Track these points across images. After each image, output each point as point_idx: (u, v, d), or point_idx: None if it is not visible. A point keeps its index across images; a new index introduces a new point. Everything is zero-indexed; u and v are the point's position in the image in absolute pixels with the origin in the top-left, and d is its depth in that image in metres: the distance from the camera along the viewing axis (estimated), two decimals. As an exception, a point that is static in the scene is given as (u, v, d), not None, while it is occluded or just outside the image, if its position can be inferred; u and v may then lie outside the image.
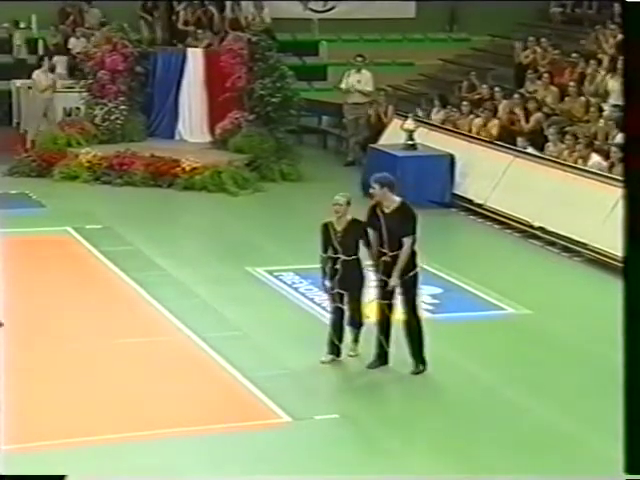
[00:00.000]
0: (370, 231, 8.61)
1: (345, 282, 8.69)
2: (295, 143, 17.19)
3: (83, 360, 8.94)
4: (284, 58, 17.44)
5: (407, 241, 8.47)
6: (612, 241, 11.21)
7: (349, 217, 8.72)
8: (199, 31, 18.21)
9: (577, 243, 12.29)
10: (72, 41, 19.11)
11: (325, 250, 8.76)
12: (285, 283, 10.96)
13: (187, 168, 15.25)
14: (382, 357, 8.69)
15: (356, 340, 8.90)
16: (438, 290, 10.89)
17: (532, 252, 12.65)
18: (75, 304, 10.21)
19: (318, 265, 10.55)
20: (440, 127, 15.84)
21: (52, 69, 17.75)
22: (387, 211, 8.57)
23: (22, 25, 19.32)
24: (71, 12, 19.77)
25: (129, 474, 6.90)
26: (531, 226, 13.15)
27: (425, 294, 10.71)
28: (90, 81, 16.94)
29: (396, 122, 16.01)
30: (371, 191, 8.69)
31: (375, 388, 8.54)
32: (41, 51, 19.16)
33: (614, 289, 9.98)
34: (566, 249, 12.43)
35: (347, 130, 17.63)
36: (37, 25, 19.58)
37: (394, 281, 8.46)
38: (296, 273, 11.18)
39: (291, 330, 9.68)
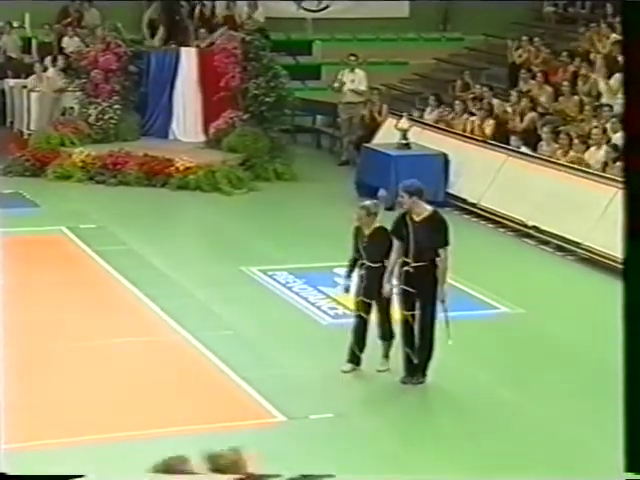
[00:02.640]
0: (395, 240, 8.32)
1: (370, 291, 8.47)
2: (289, 142, 17.19)
3: (78, 360, 8.94)
4: (278, 57, 17.44)
5: (444, 252, 8.18)
6: (606, 240, 11.23)
7: (377, 224, 8.52)
8: (202, 30, 18.19)
9: (571, 242, 12.31)
10: (66, 40, 19.08)
11: (356, 252, 8.63)
12: (279, 282, 10.96)
13: (181, 167, 15.23)
14: (412, 370, 8.44)
15: (386, 355, 8.64)
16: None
17: (526, 251, 12.67)
18: (69, 304, 10.19)
19: (311, 265, 10.58)
20: (434, 126, 15.85)
21: (45, 69, 17.72)
22: (417, 219, 8.27)
23: (15, 24, 19.29)
24: (72, 13, 19.73)
25: (124, 473, 6.90)
26: (525, 225, 13.16)
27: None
28: (84, 80, 16.93)
29: (390, 121, 16.01)
30: (399, 200, 8.47)
31: (369, 387, 8.55)
32: (35, 50, 19.14)
33: (608, 288, 10.04)
34: (560, 248, 12.45)
35: (341, 129, 17.64)
36: (30, 24, 19.56)
37: (441, 295, 8.16)
38: (290, 272, 11.17)
39: (285, 329, 9.68)
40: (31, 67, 18.17)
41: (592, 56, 16.30)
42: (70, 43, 18.90)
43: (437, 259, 8.18)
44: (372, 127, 16.81)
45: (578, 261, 12.05)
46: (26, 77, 18.08)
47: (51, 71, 17.57)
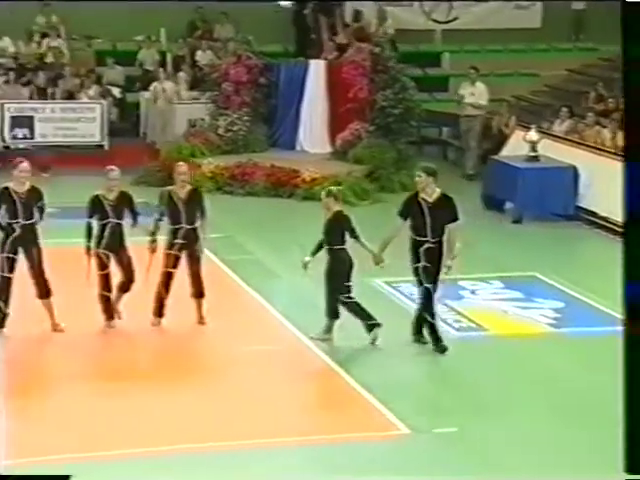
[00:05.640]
0: (398, 219, 9.31)
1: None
2: (415, 154, 17.12)
3: (200, 367, 9.10)
4: (406, 69, 17.41)
5: (456, 225, 9.18)
6: None
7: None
8: (330, 43, 18.32)
9: None
10: (199, 53, 19.53)
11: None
12: (403, 294, 10.91)
13: (307, 179, 15.35)
14: (421, 333, 9.42)
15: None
16: (560, 304, 10.66)
17: (659, 267, 12.24)
18: (194, 311, 10.36)
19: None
20: (564, 138, 15.53)
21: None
22: (430, 200, 9.20)
23: (152, 39, 19.86)
24: (200, 25, 20.19)
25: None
26: (659, 241, 12.73)
27: (547, 308, 10.53)
28: (215, 93, 17.27)
29: (518, 133, 15.78)
30: (416, 179, 9.34)
31: (495, 402, 8.40)
32: (169, 63, 19.66)
33: None
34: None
35: (461, 142, 17.52)
36: (166, 38, 20.10)
37: (451, 262, 9.13)
38: (413, 284, 11.09)
39: (409, 341, 9.61)
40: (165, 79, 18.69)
41: None
42: (203, 56, 19.35)
43: (442, 237, 9.18)
44: (499, 139, 16.60)
45: None
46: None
47: (169, 83, 18.06)
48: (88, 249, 9.64)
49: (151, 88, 18.31)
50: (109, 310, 9.75)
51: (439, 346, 9.26)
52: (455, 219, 9.22)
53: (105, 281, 9.69)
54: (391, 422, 7.83)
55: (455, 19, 21.11)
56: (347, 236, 9.39)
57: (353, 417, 8.04)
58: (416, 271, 9.30)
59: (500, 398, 8.46)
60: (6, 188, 9.46)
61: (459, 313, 10.35)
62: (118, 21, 19.44)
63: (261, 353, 9.29)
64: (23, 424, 7.78)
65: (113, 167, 9.85)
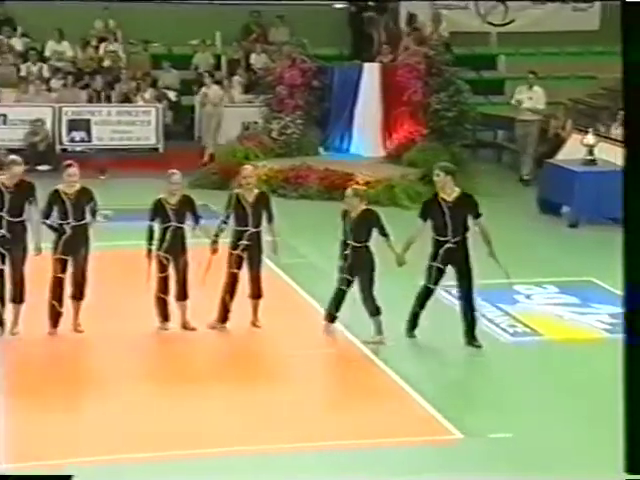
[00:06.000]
0: (419, 220, 9.28)
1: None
2: (470, 157, 17.01)
3: (254, 370, 9.12)
4: (461, 72, 17.32)
5: (482, 221, 9.19)
6: None
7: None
8: (385, 46, 18.31)
9: None
10: (253, 57, 19.63)
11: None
12: (455, 297, 10.82)
13: (361, 182, 15.30)
14: (473, 336, 9.32)
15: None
16: (617, 309, 10.50)
17: None
18: (249, 314, 10.40)
19: (489, 281, 10.39)
20: (622, 142, 15.32)
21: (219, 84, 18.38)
22: (449, 199, 9.15)
23: (208, 42, 20.01)
24: (255, 29, 20.29)
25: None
26: None
27: (603, 313, 10.39)
28: (269, 96, 17.33)
29: (575, 137, 15.60)
30: (435, 178, 9.29)
31: (550, 408, 8.30)
32: (224, 67, 19.79)
33: None
34: None
35: (518, 145, 17.38)
36: (221, 42, 20.23)
37: (494, 254, 9.18)
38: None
39: (462, 345, 9.54)
40: (218, 84, 18.81)
41: None
42: (258, 60, 19.44)
43: (467, 234, 9.15)
44: (555, 142, 16.44)
45: None
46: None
47: (215, 87, 18.19)
48: (149, 252, 9.71)
49: (200, 92, 18.42)
50: (164, 312, 9.82)
51: (411, 332, 9.46)
52: (478, 215, 9.21)
53: (163, 284, 9.75)
54: (444, 426, 7.77)
55: (511, 22, 20.95)
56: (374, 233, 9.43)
57: (406, 421, 8.00)
58: (429, 270, 9.26)
59: (555, 404, 8.36)
60: (56, 190, 9.60)
61: (514, 318, 10.25)
62: (174, 25, 19.62)
63: (313, 356, 9.29)
64: (75, 423, 7.88)
65: (175, 171, 9.89)
